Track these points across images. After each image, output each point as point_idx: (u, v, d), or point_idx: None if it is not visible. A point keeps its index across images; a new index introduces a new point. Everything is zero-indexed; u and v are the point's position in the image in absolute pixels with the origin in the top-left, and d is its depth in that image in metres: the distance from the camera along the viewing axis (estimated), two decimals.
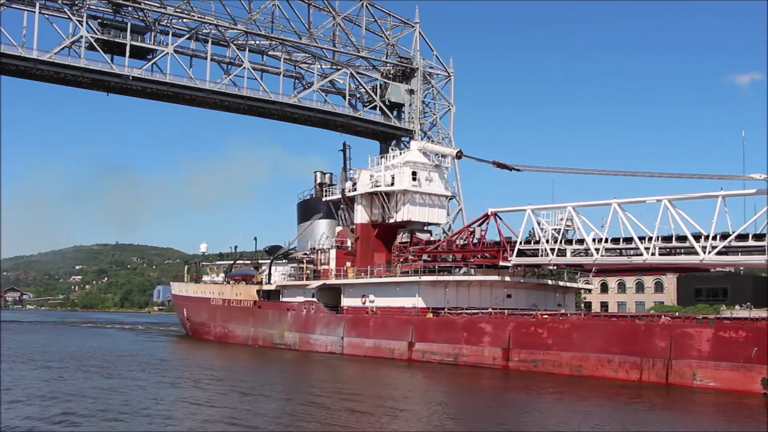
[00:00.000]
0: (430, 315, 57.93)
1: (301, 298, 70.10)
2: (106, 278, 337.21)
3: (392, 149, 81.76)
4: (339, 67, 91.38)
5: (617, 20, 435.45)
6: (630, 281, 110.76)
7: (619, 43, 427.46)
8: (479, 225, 59.33)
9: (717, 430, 30.91)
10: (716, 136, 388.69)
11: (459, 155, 66.03)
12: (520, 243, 55.44)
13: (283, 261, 78.80)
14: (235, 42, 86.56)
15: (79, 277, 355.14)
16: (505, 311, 55.58)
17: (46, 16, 77.57)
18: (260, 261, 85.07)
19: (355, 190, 70.57)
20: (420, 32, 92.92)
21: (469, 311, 57.05)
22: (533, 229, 54.68)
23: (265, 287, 75.97)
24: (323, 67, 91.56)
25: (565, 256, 52.54)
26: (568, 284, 65.01)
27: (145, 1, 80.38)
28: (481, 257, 58.38)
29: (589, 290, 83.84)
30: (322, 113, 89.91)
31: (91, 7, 79.54)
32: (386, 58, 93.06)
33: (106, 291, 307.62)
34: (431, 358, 55.40)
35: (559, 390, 40.52)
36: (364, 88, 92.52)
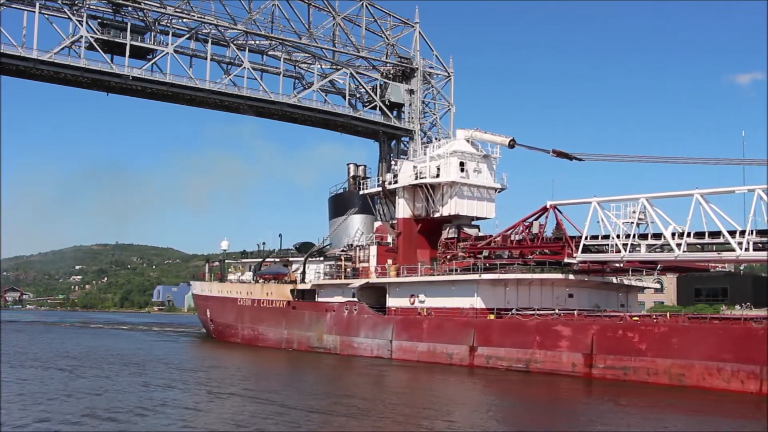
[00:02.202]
0: (492, 316, 53.53)
1: (340, 298, 65.87)
2: (105, 278, 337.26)
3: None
4: (339, 67, 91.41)
5: (617, 20, 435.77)
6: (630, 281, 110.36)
7: (620, 43, 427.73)
8: (536, 219, 54.32)
9: (717, 429, 30.87)
10: (716, 136, 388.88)
11: (512, 144, 60.93)
12: (586, 238, 50.78)
13: (318, 259, 74.28)
14: (235, 42, 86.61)
15: (79, 277, 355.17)
16: (575, 312, 50.89)
17: (46, 16, 77.59)
18: (291, 259, 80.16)
19: (396, 182, 66.14)
20: (420, 32, 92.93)
21: (533, 312, 52.16)
22: (599, 223, 50.07)
23: (300, 286, 71.62)
24: (323, 67, 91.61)
25: (639, 252, 48.07)
26: (633, 283, 60.19)
27: (145, 1, 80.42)
28: (540, 253, 54.01)
29: (658, 289, 78.65)
30: (322, 113, 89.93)
31: (91, 7, 79.56)
32: (386, 58, 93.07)
33: (106, 291, 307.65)
34: (497, 364, 50.69)
35: (667, 403, 36.28)
36: (364, 88, 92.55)
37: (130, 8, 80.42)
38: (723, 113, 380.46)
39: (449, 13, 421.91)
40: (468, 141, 64.58)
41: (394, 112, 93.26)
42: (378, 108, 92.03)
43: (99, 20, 79.69)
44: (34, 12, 75.75)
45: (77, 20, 77.61)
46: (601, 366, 45.45)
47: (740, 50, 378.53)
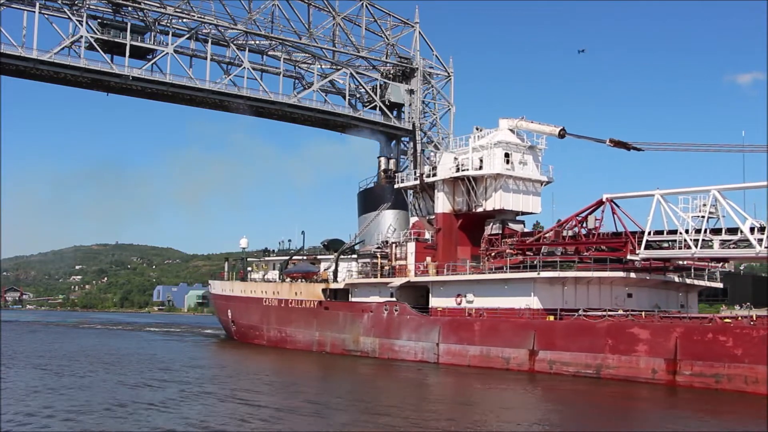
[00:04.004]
0: (551, 317, 49.65)
1: (376, 298, 62.13)
2: (105, 278, 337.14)
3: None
4: (339, 67, 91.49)
5: (618, 20, 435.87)
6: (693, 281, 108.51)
7: (620, 42, 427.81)
8: (591, 213, 50.68)
9: (716, 430, 30.87)
10: (717, 136, 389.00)
11: (562, 133, 56.80)
12: (649, 233, 46.95)
13: (350, 257, 70.85)
14: (235, 42, 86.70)
15: (79, 277, 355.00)
16: (641, 312, 47.17)
17: (46, 16, 77.73)
18: (319, 256, 76.41)
19: (435, 175, 61.81)
20: (420, 32, 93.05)
21: (604, 312, 48.15)
22: (662, 217, 46.43)
23: (333, 286, 67.65)
24: (323, 67, 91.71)
25: (711, 248, 44.18)
26: (696, 282, 55.59)
27: (145, 1, 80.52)
28: (596, 250, 50.40)
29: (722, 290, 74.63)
30: (322, 113, 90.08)
31: (91, 7, 79.72)
32: (386, 58, 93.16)
33: (105, 291, 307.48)
34: (562, 369, 46.50)
35: None
36: (364, 88, 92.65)
37: (130, 8, 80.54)
38: (723, 113, 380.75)
39: (449, 13, 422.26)
40: (512, 131, 60.51)
41: (394, 112, 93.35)
42: (378, 108, 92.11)
43: (99, 20, 79.85)
44: (34, 12, 75.88)
45: (77, 20, 77.73)
46: (687, 373, 41.32)
47: (741, 50, 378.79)
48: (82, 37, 77.45)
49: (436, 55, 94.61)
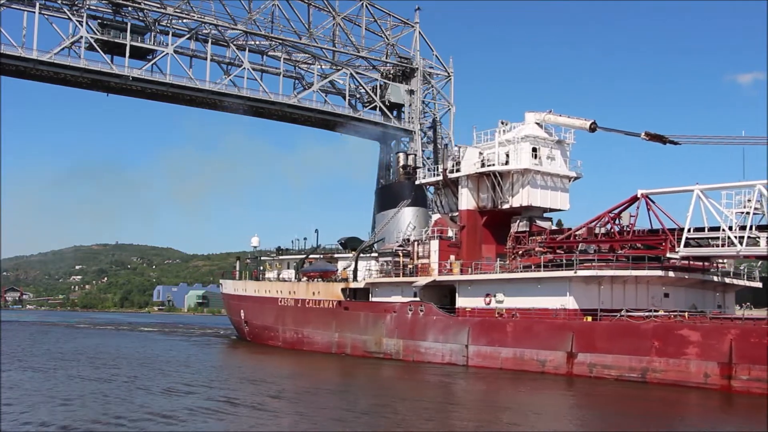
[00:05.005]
0: (589, 318, 47.55)
1: (399, 298, 60.05)
2: (105, 278, 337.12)
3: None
4: (339, 68, 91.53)
5: (618, 20, 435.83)
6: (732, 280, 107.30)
7: (620, 42, 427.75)
8: (626, 209, 48.82)
9: (717, 430, 30.84)
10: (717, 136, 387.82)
11: (593, 127, 54.60)
12: (689, 230, 45.12)
13: (370, 255, 68.90)
14: (234, 42, 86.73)
15: (79, 277, 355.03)
16: (683, 314, 45.75)
17: (46, 16, 77.75)
18: (336, 255, 74.41)
19: (458, 170, 59.65)
20: (420, 32, 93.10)
21: (650, 313, 46.40)
22: (702, 213, 44.69)
23: (353, 285, 65.36)
24: (323, 67, 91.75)
25: (758, 245, 42.03)
26: (735, 281, 53.60)
27: (145, 2, 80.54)
28: (631, 248, 48.60)
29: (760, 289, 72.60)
30: (322, 114, 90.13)
31: (91, 7, 79.75)
32: (386, 58, 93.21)
33: (105, 291, 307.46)
34: (603, 373, 44.38)
35: None
36: (364, 88, 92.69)
37: (130, 8, 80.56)
38: (724, 113, 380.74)
39: (449, 13, 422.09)
40: (539, 125, 58.21)
41: (394, 113, 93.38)
42: (378, 108, 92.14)
43: (99, 20, 79.87)
44: (34, 12, 75.88)
45: (77, 20, 77.75)
46: (745, 378, 38.94)
47: (741, 50, 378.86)
48: (82, 37, 77.47)
49: (436, 55, 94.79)
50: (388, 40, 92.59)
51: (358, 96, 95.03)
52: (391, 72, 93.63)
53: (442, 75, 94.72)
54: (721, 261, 52.23)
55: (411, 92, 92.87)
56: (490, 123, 62.37)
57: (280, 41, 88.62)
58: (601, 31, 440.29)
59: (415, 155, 79.63)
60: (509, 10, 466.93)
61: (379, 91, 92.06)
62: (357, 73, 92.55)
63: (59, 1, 77.57)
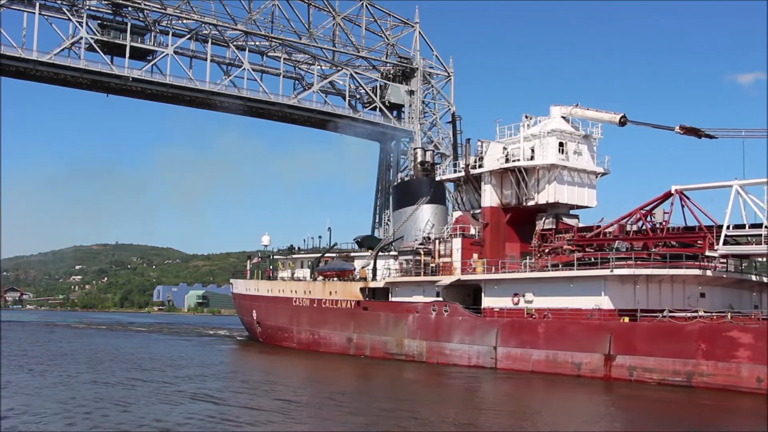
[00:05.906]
0: (626, 319, 45.66)
1: (420, 297, 58.20)
2: (105, 278, 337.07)
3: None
4: (339, 68, 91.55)
5: (618, 20, 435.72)
6: None
7: (620, 42, 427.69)
8: (659, 205, 47.17)
9: (717, 430, 30.84)
10: (754, 129, 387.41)
11: (623, 121, 52.59)
12: (728, 227, 43.36)
13: (388, 253, 67.19)
14: (234, 42, 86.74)
15: (79, 277, 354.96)
16: (709, 313, 43.91)
17: (46, 17, 77.77)
18: (353, 254, 72.31)
19: (481, 166, 57.71)
20: (420, 32, 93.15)
21: (694, 314, 44.40)
22: (741, 209, 43.11)
23: (372, 284, 63.27)
24: (323, 68, 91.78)
25: None
26: None
27: (145, 2, 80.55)
28: (665, 246, 46.93)
29: None
30: (322, 114, 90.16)
31: (91, 7, 79.79)
32: (386, 58, 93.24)
33: (105, 291, 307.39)
34: (645, 376, 42.32)
35: None
36: (363, 88, 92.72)
37: (130, 9, 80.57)
38: (724, 113, 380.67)
39: (449, 13, 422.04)
40: (565, 119, 56.28)
41: (394, 113, 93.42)
42: (378, 109, 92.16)
43: (99, 21, 79.89)
44: (34, 13, 75.89)
45: (77, 21, 77.77)
46: None
47: (741, 50, 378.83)
48: (82, 38, 77.50)
49: (436, 55, 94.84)
50: (388, 40, 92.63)
51: (358, 96, 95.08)
52: (391, 72, 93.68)
53: (442, 75, 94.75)
54: (759, 260, 50.57)
55: (411, 92, 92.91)
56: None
57: (280, 41, 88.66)
58: (601, 31, 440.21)
59: (432, 151, 77.73)
60: (509, 10, 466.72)
61: (379, 91, 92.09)
62: (357, 73, 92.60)
63: (59, 2, 77.59)
